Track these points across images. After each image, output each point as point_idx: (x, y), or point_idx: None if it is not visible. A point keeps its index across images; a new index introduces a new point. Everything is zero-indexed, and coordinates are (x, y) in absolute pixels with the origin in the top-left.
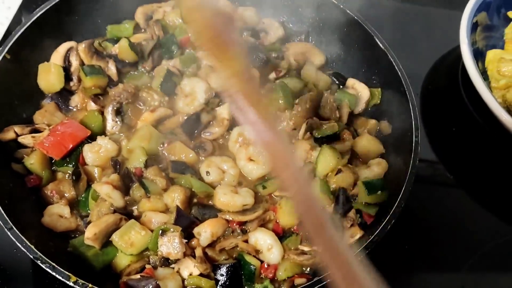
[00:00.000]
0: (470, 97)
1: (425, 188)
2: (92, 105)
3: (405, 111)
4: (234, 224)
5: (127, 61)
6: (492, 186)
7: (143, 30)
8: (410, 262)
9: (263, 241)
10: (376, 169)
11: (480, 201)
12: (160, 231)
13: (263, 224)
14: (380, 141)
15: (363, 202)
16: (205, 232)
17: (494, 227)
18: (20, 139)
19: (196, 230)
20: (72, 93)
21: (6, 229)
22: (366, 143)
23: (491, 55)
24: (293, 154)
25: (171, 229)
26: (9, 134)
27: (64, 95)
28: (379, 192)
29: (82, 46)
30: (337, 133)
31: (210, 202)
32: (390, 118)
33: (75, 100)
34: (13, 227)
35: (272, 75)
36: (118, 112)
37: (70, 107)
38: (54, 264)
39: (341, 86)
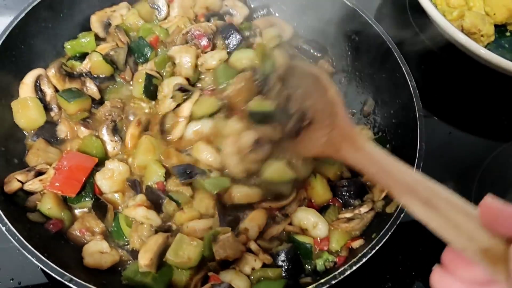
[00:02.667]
0: (421, 28)
1: None
2: (84, 131)
3: (386, 54)
4: (273, 211)
5: (103, 75)
6: (461, 110)
7: (103, 39)
8: None
9: (307, 220)
10: None
11: (456, 125)
12: (212, 237)
13: (300, 204)
14: None
15: None
16: (251, 226)
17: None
18: (26, 187)
19: (242, 227)
20: (55, 123)
21: (66, 282)
22: None
23: None
24: None
25: (221, 232)
26: (14, 185)
27: (48, 128)
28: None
29: (51, 71)
30: None
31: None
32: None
33: (62, 130)
34: (73, 277)
35: None
36: (115, 131)
37: (59, 139)
38: None
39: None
